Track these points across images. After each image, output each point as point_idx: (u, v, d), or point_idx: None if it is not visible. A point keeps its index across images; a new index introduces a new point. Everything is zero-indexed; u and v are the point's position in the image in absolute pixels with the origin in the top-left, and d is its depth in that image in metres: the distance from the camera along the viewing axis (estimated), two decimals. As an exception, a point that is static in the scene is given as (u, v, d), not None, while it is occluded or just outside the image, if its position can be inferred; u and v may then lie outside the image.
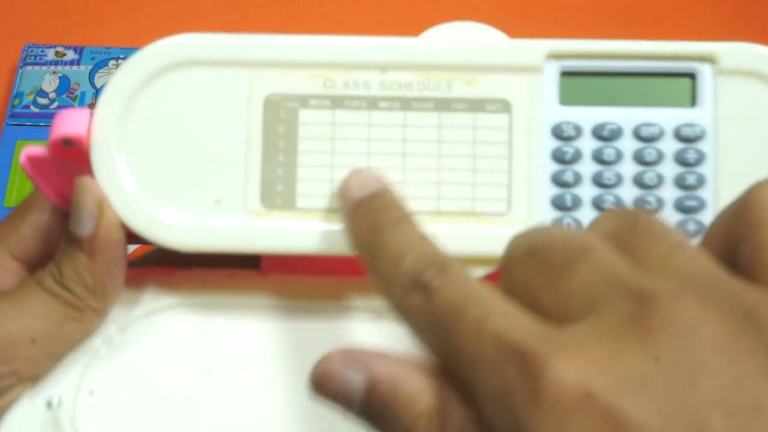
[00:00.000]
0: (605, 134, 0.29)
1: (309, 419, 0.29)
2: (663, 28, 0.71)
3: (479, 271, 0.29)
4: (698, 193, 0.29)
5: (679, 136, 0.29)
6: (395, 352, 0.21)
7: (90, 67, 0.73)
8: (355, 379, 0.20)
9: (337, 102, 0.29)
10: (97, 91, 0.72)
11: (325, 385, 0.21)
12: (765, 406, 0.16)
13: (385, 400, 0.20)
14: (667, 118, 0.29)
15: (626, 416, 0.16)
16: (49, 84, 0.72)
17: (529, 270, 0.20)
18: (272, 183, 0.29)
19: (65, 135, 0.28)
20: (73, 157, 0.29)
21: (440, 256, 0.22)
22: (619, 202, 0.29)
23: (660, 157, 0.29)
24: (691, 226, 0.29)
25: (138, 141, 0.29)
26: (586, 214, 0.30)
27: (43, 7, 0.64)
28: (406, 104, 0.29)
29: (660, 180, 0.29)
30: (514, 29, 0.30)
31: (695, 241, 0.22)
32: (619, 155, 0.29)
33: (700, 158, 0.29)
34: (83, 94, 0.72)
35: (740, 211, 0.21)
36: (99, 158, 0.29)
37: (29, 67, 0.73)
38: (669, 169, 0.29)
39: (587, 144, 0.29)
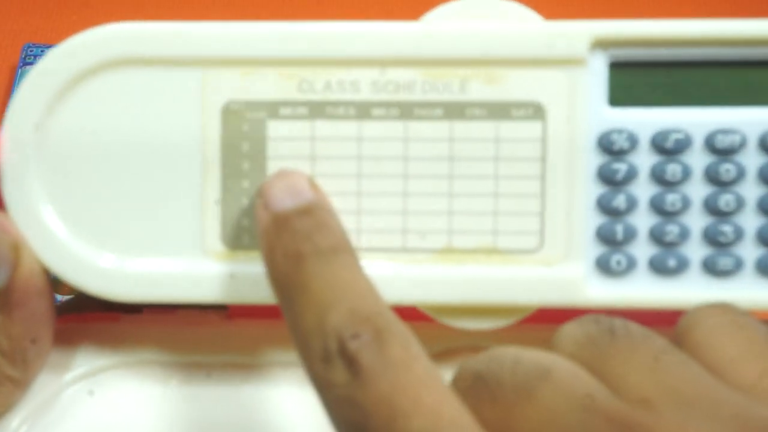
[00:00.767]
0: (668, 145, 0.23)
1: None
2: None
3: (499, 322, 0.23)
4: (790, 221, 0.23)
5: (767, 147, 0.23)
6: None
7: (90, 67, 0.71)
8: None
9: (317, 110, 0.23)
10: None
11: None
12: None
13: None
14: (750, 121, 0.23)
15: None
16: (49, 84, 0.70)
17: (477, 403, 0.17)
18: (236, 216, 0.23)
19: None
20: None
21: (379, 315, 0.18)
22: (684, 233, 0.23)
23: (741, 174, 0.23)
24: (780, 264, 0.23)
25: (62, 166, 0.23)
26: (642, 251, 0.23)
27: (43, 7, 0.65)
28: (407, 111, 0.23)
29: (740, 204, 0.23)
30: (549, 8, 0.24)
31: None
32: (686, 173, 0.23)
33: (794, 176, 0.23)
34: (83, 93, 0.70)
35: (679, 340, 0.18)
36: (11, 190, 0.23)
37: (29, 67, 0.70)
38: (752, 191, 0.23)
39: (644, 158, 0.23)
